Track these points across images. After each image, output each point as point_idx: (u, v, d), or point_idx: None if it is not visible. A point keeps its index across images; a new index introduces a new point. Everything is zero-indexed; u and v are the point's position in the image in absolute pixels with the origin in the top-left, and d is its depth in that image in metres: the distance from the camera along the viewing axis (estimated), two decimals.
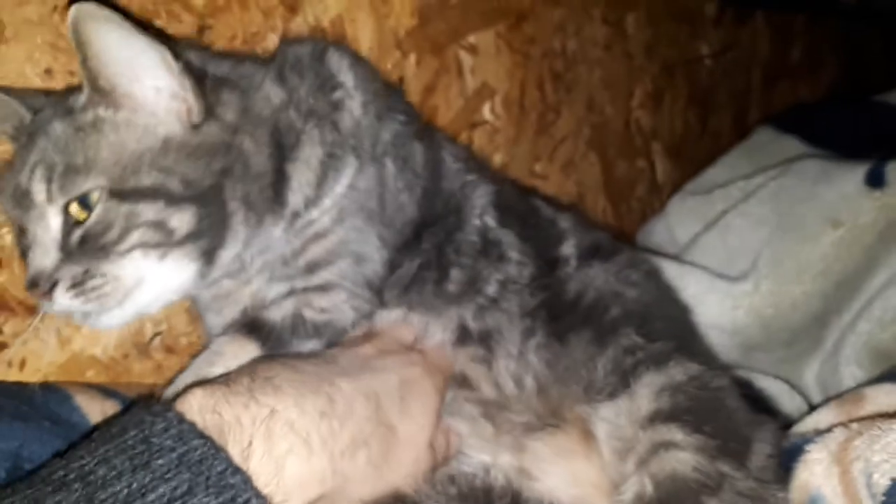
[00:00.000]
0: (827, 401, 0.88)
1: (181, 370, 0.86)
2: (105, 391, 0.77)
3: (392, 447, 0.68)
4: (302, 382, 0.64)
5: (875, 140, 1.42)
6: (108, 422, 0.59)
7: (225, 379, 0.62)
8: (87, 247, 0.66)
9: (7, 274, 0.77)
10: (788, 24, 2.24)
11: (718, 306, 1.10)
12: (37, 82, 0.76)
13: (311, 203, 0.76)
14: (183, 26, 0.87)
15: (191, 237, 0.67)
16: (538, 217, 0.92)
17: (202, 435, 0.55)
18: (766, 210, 1.17)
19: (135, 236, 0.66)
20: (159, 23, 0.85)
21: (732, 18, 1.97)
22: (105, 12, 0.61)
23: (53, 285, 0.65)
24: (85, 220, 0.65)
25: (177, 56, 0.66)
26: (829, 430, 0.75)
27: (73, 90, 0.73)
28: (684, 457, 0.67)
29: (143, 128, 0.67)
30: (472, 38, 1.23)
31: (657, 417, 0.71)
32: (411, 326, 0.80)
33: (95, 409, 0.73)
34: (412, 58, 1.14)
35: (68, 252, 0.66)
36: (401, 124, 0.82)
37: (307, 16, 0.99)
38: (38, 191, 0.65)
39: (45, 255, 0.66)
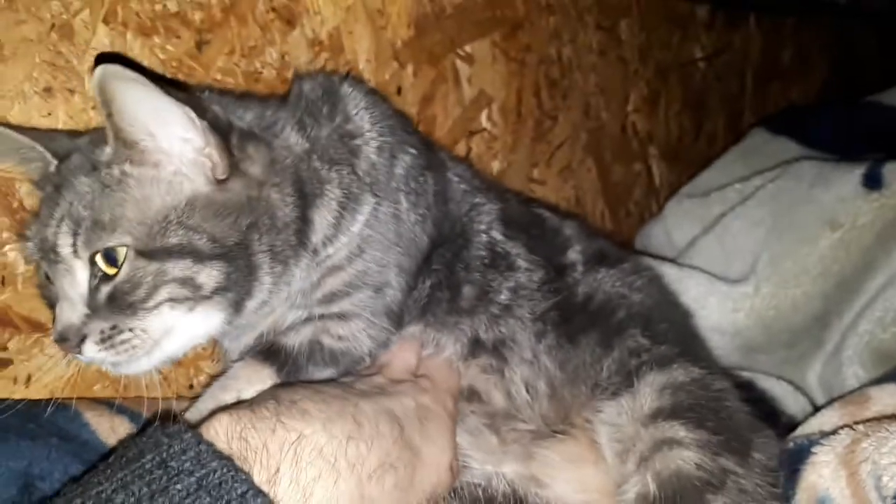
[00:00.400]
0: (831, 401, 0.88)
1: (189, 384, 0.86)
2: (113, 406, 0.77)
3: (417, 470, 0.68)
4: (327, 405, 0.64)
5: (869, 140, 1.43)
6: (123, 443, 0.59)
7: (249, 404, 0.62)
8: (115, 303, 0.66)
9: (10, 292, 0.77)
10: (779, 27, 2.25)
11: (719, 309, 1.10)
12: (36, 101, 0.76)
13: (328, 241, 0.77)
14: (181, 42, 0.88)
15: (219, 291, 0.68)
16: (543, 227, 0.94)
17: (221, 456, 0.54)
18: (764, 212, 1.17)
19: (163, 293, 0.67)
20: (157, 39, 0.85)
21: (724, 22, 1.98)
22: (130, 73, 0.61)
23: (82, 339, 0.66)
24: (113, 275, 0.66)
25: (202, 113, 0.66)
26: (834, 431, 0.75)
27: (96, 132, 0.74)
28: (687, 454, 0.68)
29: (168, 185, 0.67)
30: (468, 48, 1.24)
31: (659, 415, 0.72)
32: (415, 347, 0.81)
33: (104, 425, 0.73)
34: (409, 68, 1.15)
35: (96, 307, 0.67)
36: (412, 157, 0.84)
37: (304, 29, 0.99)
38: (64, 244, 0.66)
39: (73, 310, 0.67)
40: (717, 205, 1.31)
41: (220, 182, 0.69)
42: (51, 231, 0.67)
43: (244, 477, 0.54)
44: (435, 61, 1.18)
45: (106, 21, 0.80)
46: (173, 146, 0.67)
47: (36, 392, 0.81)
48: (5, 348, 0.78)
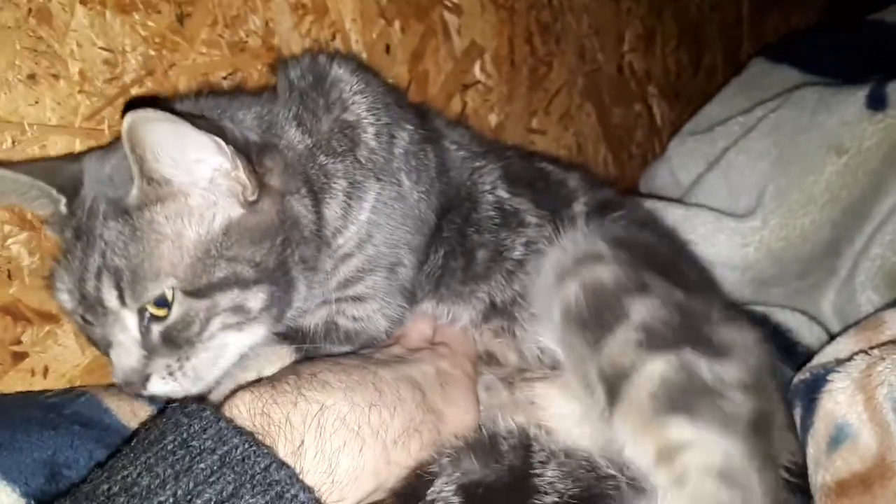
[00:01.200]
0: (846, 329, 0.88)
1: None
2: None
3: (442, 433, 0.69)
4: (347, 375, 0.64)
5: (872, 61, 1.39)
6: (145, 426, 0.59)
7: (270, 380, 0.63)
8: (170, 341, 0.67)
9: (18, 285, 0.77)
10: None
11: (728, 245, 1.09)
12: (21, 89, 0.75)
13: (338, 232, 0.77)
14: (161, 17, 0.86)
15: (265, 310, 0.69)
16: (548, 180, 0.94)
17: (242, 432, 0.55)
18: (767, 143, 1.15)
19: (216, 323, 0.68)
20: (137, 16, 0.84)
21: None
22: (157, 113, 0.61)
23: (146, 378, 0.68)
24: (164, 316, 0.66)
25: (226, 138, 0.66)
26: (850, 358, 0.75)
27: (97, 154, 0.73)
28: (609, 267, 0.70)
29: (200, 217, 0.67)
30: None
31: (589, 235, 0.74)
32: (430, 318, 0.82)
33: (125, 409, 0.74)
34: (396, 24, 1.12)
35: (152, 348, 0.68)
36: (409, 133, 0.83)
37: None
38: (110, 298, 0.65)
39: (130, 356, 0.68)
40: (721, 140, 1.29)
41: (251, 204, 0.68)
42: (91, 284, 0.66)
43: (266, 451, 0.54)
44: (422, 15, 1.16)
45: (83, 2, 0.79)
46: (204, 176, 0.67)
47: (54, 382, 0.82)
48: (19, 342, 0.78)
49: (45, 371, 0.81)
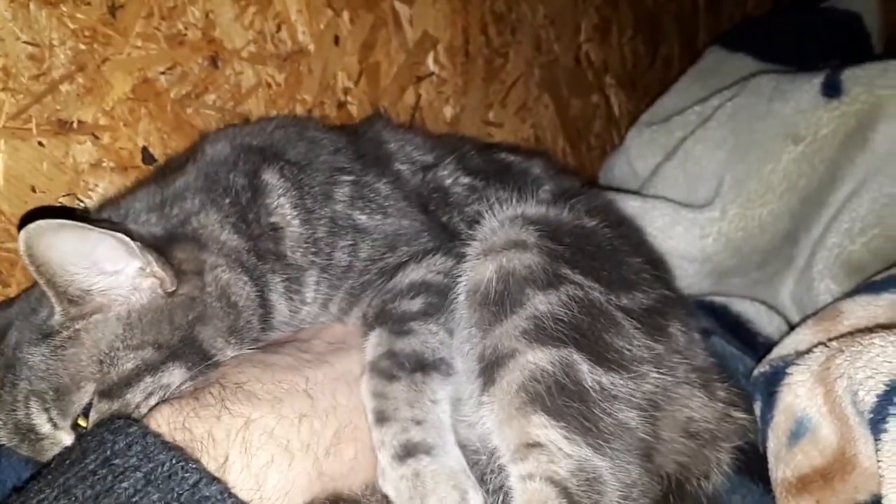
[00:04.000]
0: (805, 319, 0.88)
1: None
2: None
3: None
4: (277, 383, 0.61)
5: (826, 47, 1.40)
6: (70, 447, 0.56)
7: (194, 391, 0.59)
8: None
9: None
10: None
11: (686, 237, 1.08)
12: None
13: (296, 313, 0.75)
14: (92, 9, 0.81)
15: (189, 379, 0.65)
16: (510, 171, 0.93)
17: (170, 447, 0.52)
18: (724, 133, 1.14)
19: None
20: (65, 8, 0.79)
21: None
22: (53, 222, 0.59)
23: None
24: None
25: (132, 236, 0.64)
26: (809, 350, 0.74)
27: (24, 298, 0.71)
28: (528, 256, 0.68)
29: (116, 316, 0.65)
30: None
31: (524, 220, 0.72)
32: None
33: None
34: (345, 15, 1.09)
35: None
36: (350, 184, 0.80)
37: None
38: (41, 422, 0.63)
39: None
40: (678, 130, 1.28)
41: (171, 294, 0.66)
42: (21, 413, 0.63)
43: (194, 466, 0.52)
44: (372, 5, 1.12)
45: None
46: (121, 278, 0.65)
47: None
48: None
49: None
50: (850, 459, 0.66)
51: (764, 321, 1.06)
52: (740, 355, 1.02)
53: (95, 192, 0.86)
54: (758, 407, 0.79)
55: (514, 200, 0.75)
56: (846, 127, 1.00)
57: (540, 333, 0.63)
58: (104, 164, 0.86)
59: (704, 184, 1.14)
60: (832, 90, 1.01)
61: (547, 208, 0.74)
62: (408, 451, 0.62)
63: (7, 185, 0.78)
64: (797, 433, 0.72)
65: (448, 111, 1.31)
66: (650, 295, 0.71)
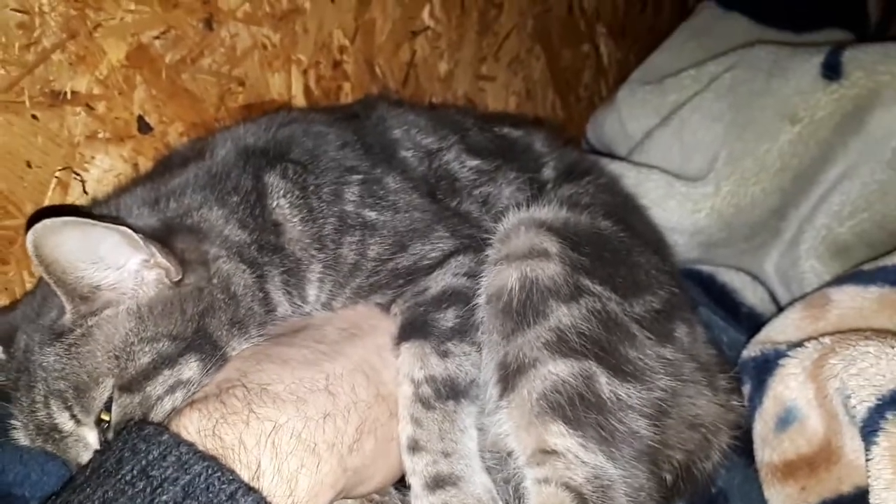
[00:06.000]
0: (792, 302, 0.91)
1: None
2: None
3: (393, 417, 0.68)
4: (298, 381, 0.62)
5: (821, 11, 1.39)
6: (100, 452, 0.56)
7: (217, 393, 0.59)
8: None
9: None
10: None
11: (679, 211, 1.10)
12: None
13: (297, 309, 0.75)
14: None
15: (204, 374, 0.65)
16: (514, 148, 0.93)
17: (205, 457, 0.52)
18: (722, 106, 1.14)
19: (163, 410, 0.63)
20: None
21: None
22: (57, 221, 0.59)
23: None
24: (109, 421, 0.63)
25: (133, 228, 0.63)
26: (801, 343, 0.78)
27: (24, 303, 0.71)
28: (550, 266, 0.70)
29: (127, 310, 0.65)
30: None
31: (543, 226, 0.73)
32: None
33: None
34: None
35: None
36: (359, 183, 0.78)
37: None
38: (64, 421, 0.63)
39: None
40: (672, 93, 1.28)
41: (178, 283, 0.67)
42: (42, 414, 0.64)
43: (231, 476, 0.52)
44: None
45: None
46: (125, 273, 0.65)
47: None
48: None
49: None
50: (836, 451, 0.71)
51: (749, 292, 1.10)
52: (725, 326, 1.06)
53: (92, 164, 0.83)
54: (746, 390, 0.83)
55: (531, 200, 0.76)
56: (843, 110, 1.01)
57: (562, 345, 0.66)
58: (100, 136, 0.83)
59: (699, 155, 1.14)
60: (832, 72, 1.01)
61: (567, 212, 0.75)
62: (437, 483, 0.65)
63: (2, 161, 0.75)
64: (786, 420, 0.76)
65: (442, 67, 1.29)
66: (659, 295, 0.74)
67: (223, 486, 0.51)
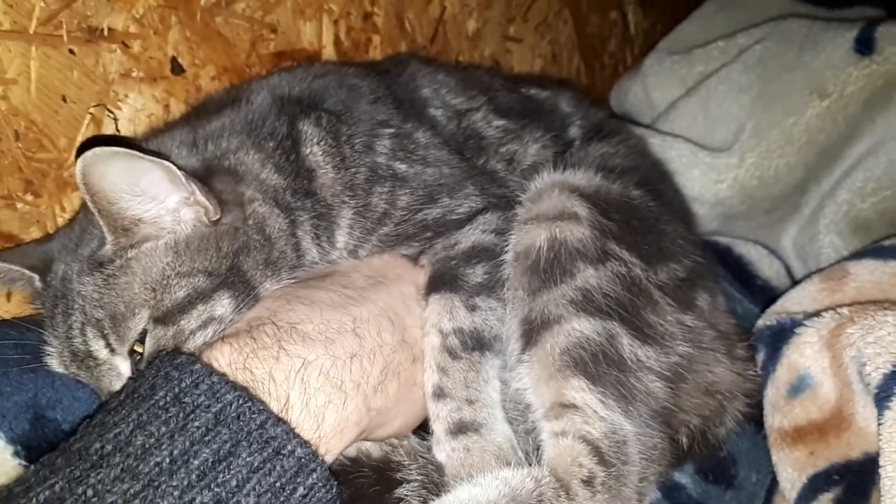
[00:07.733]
0: (810, 275, 0.91)
1: None
2: None
3: (416, 362, 0.70)
4: (326, 324, 0.63)
5: None
6: (133, 378, 0.58)
7: (248, 330, 0.61)
8: None
9: None
10: None
11: (701, 180, 1.10)
12: None
13: (325, 255, 0.77)
14: None
15: (236, 311, 0.67)
16: (541, 110, 0.94)
17: (236, 387, 0.54)
18: (750, 78, 1.14)
19: (199, 339, 0.65)
20: None
21: None
22: (106, 150, 0.60)
23: None
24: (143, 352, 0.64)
25: (177, 166, 0.65)
26: (818, 313, 0.79)
27: (64, 233, 0.73)
28: (579, 229, 0.71)
29: (166, 244, 0.67)
30: None
31: (576, 191, 0.75)
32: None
33: None
34: None
35: None
36: (391, 136, 0.79)
37: None
38: (99, 349, 0.65)
39: None
40: (700, 64, 1.27)
41: (215, 223, 0.68)
42: (78, 341, 0.65)
43: (261, 407, 0.54)
44: None
45: None
46: (166, 208, 0.66)
47: (17, 307, 0.78)
48: None
49: (9, 295, 0.78)
50: (847, 418, 0.72)
51: (765, 265, 1.11)
52: (740, 298, 1.07)
53: (125, 102, 0.84)
54: (760, 357, 0.84)
55: (557, 158, 0.77)
56: (873, 86, 1.00)
57: (588, 304, 0.67)
58: (134, 75, 0.84)
59: (724, 126, 1.14)
60: (865, 47, 1.01)
61: (600, 179, 0.76)
62: (460, 429, 0.67)
63: (38, 94, 0.76)
64: (798, 387, 0.77)
65: (471, 25, 1.28)
66: (684, 264, 0.75)
67: (253, 416, 0.53)
